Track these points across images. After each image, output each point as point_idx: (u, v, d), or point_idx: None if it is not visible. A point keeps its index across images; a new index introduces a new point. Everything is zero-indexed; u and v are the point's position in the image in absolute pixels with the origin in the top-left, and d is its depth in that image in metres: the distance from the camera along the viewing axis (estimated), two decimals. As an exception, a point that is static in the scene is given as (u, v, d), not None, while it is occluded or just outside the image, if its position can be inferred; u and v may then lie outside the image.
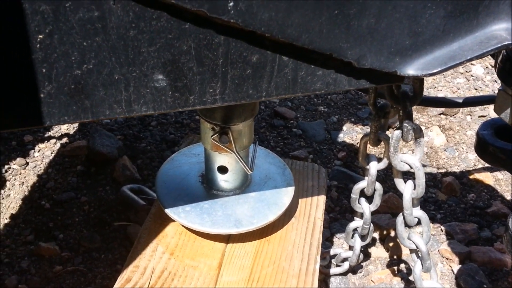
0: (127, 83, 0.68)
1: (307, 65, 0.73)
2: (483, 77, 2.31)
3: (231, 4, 0.63)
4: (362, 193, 1.13)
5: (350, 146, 1.91)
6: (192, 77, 0.70)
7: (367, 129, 2.00)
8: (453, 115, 2.07)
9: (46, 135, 1.88)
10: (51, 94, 0.65)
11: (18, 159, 1.76)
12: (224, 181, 1.04)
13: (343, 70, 0.74)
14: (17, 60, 0.63)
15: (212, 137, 0.96)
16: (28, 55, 0.62)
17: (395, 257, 1.46)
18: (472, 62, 2.35)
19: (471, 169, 1.81)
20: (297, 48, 0.70)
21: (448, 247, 1.47)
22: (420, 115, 2.07)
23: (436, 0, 0.69)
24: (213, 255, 0.98)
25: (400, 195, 1.00)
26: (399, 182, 0.98)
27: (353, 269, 1.40)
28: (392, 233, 1.51)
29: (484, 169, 1.79)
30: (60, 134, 1.89)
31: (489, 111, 2.07)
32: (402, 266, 1.44)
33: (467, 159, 1.86)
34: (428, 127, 2.01)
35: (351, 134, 1.97)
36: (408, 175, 0.97)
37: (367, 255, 1.45)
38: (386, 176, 1.72)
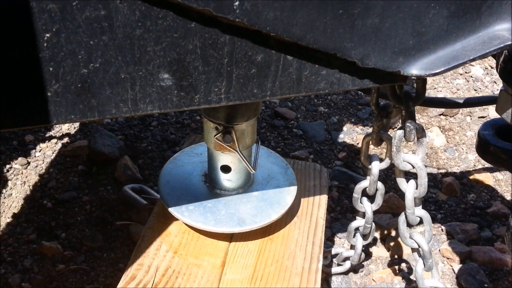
0: (133, 82, 0.68)
1: (312, 64, 0.73)
2: (482, 78, 2.32)
3: (236, 3, 0.63)
4: (364, 193, 1.14)
5: (350, 147, 1.91)
6: (198, 76, 0.70)
7: (367, 129, 2.01)
8: (453, 116, 2.08)
9: (47, 135, 1.89)
10: (58, 92, 0.66)
11: (19, 158, 1.76)
12: (227, 180, 1.05)
13: (347, 70, 0.75)
14: (24, 59, 0.63)
15: (216, 136, 0.97)
16: (35, 54, 0.63)
17: (396, 256, 1.47)
18: (472, 63, 2.36)
19: (471, 169, 1.82)
20: (301, 47, 0.70)
21: (449, 246, 1.48)
22: (420, 115, 2.08)
23: (440, 0, 0.70)
24: (217, 254, 0.98)
25: (401, 194, 1.00)
26: (401, 182, 0.98)
27: (355, 268, 1.41)
28: (393, 233, 1.51)
29: (484, 170, 1.79)
30: (61, 134, 1.90)
31: (489, 112, 2.08)
32: (403, 265, 1.44)
33: (467, 159, 1.87)
34: (428, 128, 2.01)
35: (352, 134, 1.98)
36: (409, 175, 0.97)
37: (368, 255, 1.46)
38: (387, 176, 1.73)
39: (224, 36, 0.67)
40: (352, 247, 1.28)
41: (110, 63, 0.66)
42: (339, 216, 1.60)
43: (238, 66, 0.71)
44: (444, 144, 1.94)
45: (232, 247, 1.00)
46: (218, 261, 0.97)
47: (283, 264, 0.97)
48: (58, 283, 1.34)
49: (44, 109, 0.67)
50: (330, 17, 0.68)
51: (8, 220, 1.52)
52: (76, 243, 1.46)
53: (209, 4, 0.63)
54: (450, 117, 2.08)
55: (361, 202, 1.17)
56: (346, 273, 1.39)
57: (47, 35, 0.62)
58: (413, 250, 1.05)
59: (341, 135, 1.98)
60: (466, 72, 2.36)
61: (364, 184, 1.13)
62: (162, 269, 0.94)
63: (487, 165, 1.75)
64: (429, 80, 2.30)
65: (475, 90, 2.26)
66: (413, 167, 0.95)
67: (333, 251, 1.37)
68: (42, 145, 1.84)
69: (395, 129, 1.94)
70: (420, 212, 0.99)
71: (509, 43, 0.73)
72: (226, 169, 1.04)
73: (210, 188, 1.07)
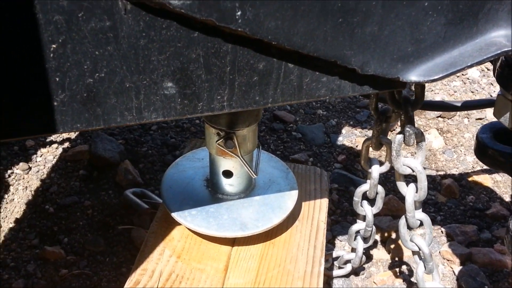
0: (138, 91, 0.70)
1: (312, 71, 0.75)
2: (479, 80, 2.34)
3: (239, 13, 0.65)
4: (364, 196, 1.15)
5: (349, 149, 1.93)
6: (201, 85, 0.72)
7: (366, 132, 2.03)
8: (451, 118, 2.10)
9: (47, 140, 1.90)
10: (64, 102, 0.67)
11: (21, 163, 1.77)
12: (229, 185, 1.06)
13: (347, 77, 0.76)
14: (31, 69, 0.64)
15: (217, 142, 0.98)
16: (41, 64, 0.64)
17: (396, 259, 1.48)
18: (470, 65, 2.37)
19: (470, 171, 1.83)
20: (302, 55, 0.71)
21: (448, 248, 1.49)
22: (418, 118, 2.09)
23: (437, 8, 0.71)
24: (220, 258, 0.99)
25: (401, 197, 1.01)
26: (401, 185, 0.99)
27: (356, 271, 1.42)
28: (393, 235, 1.53)
29: (483, 171, 1.81)
30: (61, 138, 1.91)
31: (486, 114, 2.09)
32: (404, 267, 1.46)
33: (465, 161, 1.88)
34: (426, 130, 2.03)
35: (350, 137, 1.99)
36: (408, 177, 0.98)
37: (369, 257, 1.47)
38: (386, 179, 1.74)
39: (226, 45, 0.69)
40: (353, 250, 1.29)
41: (115, 72, 0.67)
42: (340, 219, 1.61)
43: (240, 74, 0.72)
44: (443, 146, 1.96)
45: (234, 251, 1.02)
46: (221, 266, 0.98)
47: (286, 268, 0.98)
48: (61, 288, 1.35)
49: (50, 119, 0.68)
50: (330, 26, 0.69)
51: (11, 225, 1.53)
52: (78, 248, 1.47)
53: (212, 14, 0.64)
54: (448, 119, 2.09)
55: (361, 206, 1.18)
56: (347, 275, 1.40)
57: (53, 46, 0.63)
58: (414, 253, 1.06)
59: (340, 138, 1.99)
60: (463, 74, 2.37)
61: (364, 187, 1.14)
62: (166, 273, 0.95)
63: (486, 166, 1.76)
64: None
65: (472, 92, 2.28)
66: (413, 171, 0.96)
67: (334, 254, 1.38)
68: (43, 150, 1.85)
69: (394, 131, 1.96)
70: (421, 215, 1.00)
71: (506, 49, 0.74)
72: (228, 174, 1.05)
73: (212, 193, 1.08)
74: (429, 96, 2.26)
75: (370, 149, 1.09)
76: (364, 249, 1.26)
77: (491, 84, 2.30)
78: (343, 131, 2.03)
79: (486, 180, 1.77)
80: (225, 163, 1.04)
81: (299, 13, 0.67)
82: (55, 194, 1.65)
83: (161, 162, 1.81)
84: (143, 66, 0.68)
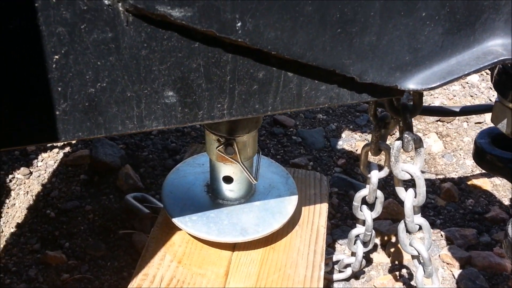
0: (139, 100, 0.71)
1: (311, 80, 0.76)
2: (478, 84, 2.35)
3: (239, 24, 0.66)
4: (363, 201, 1.16)
5: (349, 153, 1.94)
6: (201, 93, 0.72)
7: (366, 136, 2.04)
8: (450, 122, 2.11)
9: (48, 145, 1.91)
10: (66, 111, 0.68)
11: (22, 168, 1.78)
12: (230, 190, 1.07)
13: (346, 85, 0.77)
14: (33, 79, 0.65)
15: (218, 148, 0.99)
16: (44, 75, 0.65)
17: (396, 262, 1.49)
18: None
19: (469, 175, 1.84)
20: (301, 64, 0.72)
21: (448, 252, 1.50)
22: (417, 122, 2.10)
23: (435, 18, 0.72)
24: (220, 263, 1.00)
25: (401, 201, 1.02)
26: (400, 191, 1.00)
27: (356, 275, 1.43)
28: (393, 239, 1.54)
29: (482, 175, 1.82)
30: (62, 143, 1.92)
31: (485, 118, 2.10)
32: (404, 271, 1.46)
33: (464, 165, 1.89)
34: (426, 134, 2.04)
35: (350, 141, 2.00)
36: (407, 182, 0.99)
37: (369, 261, 1.48)
38: (386, 183, 1.75)
39: (226, 55, 0.70)
40: (353, 254, 1.30)
41: (116, 82, 0.68)
42: (340, 223, 1.62)
43: (240, 83, 0.73)
44: (442, 150, 1.97)
45: (235, 256, 1.03)
46: (222, 271, 0.99)
47: (286, 272, 0.99)
48: (63, 293, 1.36)
49: (52, 127, 0.69)
50: (329, 36, 0.70)
51: (12, 230, 1.54)
52: (79, 252, 1.48)
53: (212, 25, 0.65)
54: (447, 123, 2.10)
55: (361, 210, 1.19)
56: (347, 279, 1.41)
57: (56, 57, 0.64)
58: (413, 257, 1.07)
59: (340, 142, 2.00)
60: (462, 79, 2.38)
61: (363, 192, 1.15)
62: (167, 279, 0.96)
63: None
64: (427, 86, 2.31)
65: (471, 96, 2.29)
66: (412, 177, 0.97)
67: (334, 258, 1.39)
68: (44, 155, 1.86)
69: (393, 135, 1.96)
70: (419, 220, 1.01)
71: (503, 58, 0.75)
72: (228, 179, 1.06)
73: (213, 198, 1.09)
74: (428, 100, 2.27)
75: (369, 154, 1.10)
76: (364, 253, 1.27)
77: (490, 88, 2.31)
78: (343, 135, 2.04)
79: (485, 183, 1.78)
80: (226, 169, 1.05)
81: (298, 24, 0.68)
82: (56, 198, 1.66)
83: (162, 166, 1.82)
84: (144, 75, 0.69)
